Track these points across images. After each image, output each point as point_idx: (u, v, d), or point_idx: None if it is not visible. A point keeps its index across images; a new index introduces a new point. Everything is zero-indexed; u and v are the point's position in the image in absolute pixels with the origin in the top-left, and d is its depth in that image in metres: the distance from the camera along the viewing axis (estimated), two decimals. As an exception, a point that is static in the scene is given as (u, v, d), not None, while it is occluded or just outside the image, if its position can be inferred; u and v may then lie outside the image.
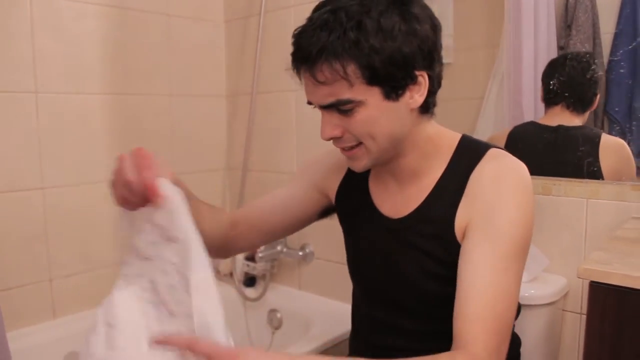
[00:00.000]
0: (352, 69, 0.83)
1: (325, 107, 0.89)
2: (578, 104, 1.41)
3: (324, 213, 1.18)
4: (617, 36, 1.36)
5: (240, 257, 2.05)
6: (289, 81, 1.92)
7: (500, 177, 0.90)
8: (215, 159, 2.18)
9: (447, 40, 1.64)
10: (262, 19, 1.87)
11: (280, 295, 1.97)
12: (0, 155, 1.57)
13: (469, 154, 0.96)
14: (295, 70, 0.89)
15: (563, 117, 1.43)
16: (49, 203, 1.69)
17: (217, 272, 2.12)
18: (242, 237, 1.16)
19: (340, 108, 0.87)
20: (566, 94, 1.42)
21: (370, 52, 0.82)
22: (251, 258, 2.03)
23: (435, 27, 0.90)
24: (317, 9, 0.88)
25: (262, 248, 1.99)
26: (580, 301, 1.38)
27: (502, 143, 1.50)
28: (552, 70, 1.45)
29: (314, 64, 0.84)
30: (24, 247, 1.64)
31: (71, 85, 1.73)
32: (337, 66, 0.83)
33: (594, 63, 1.39)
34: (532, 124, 1.49)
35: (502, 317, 0.85)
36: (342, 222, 1.13)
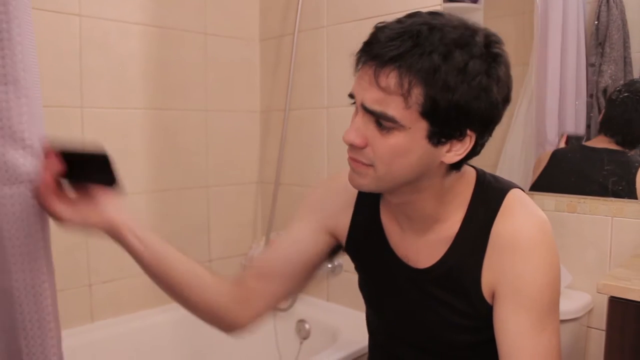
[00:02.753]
0: (417, 91, 0.76)
1: (366, 111, 0.81)
2: (619, 139, 1.39)
3: (332, 254, 1.09)
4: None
5: (270, 268, 2.09)
6: (320, 98, 1.97)
7: (523, 241, 0.86)
8: (248, 173, 2.23)
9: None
10: (295, 38, 1.92)
11: (309, 306, 2.01)
12: (47, 166, 1.65)
13: (486, 201, 0.91)
14: (358, 58, 0.81)
15: (609, 145, 1.42)
16: (90, 212, 1.76)
17: (248, 283, 2.16)
18: (257, 296, 1.05)
19: (381, 122, 0.80)
20: (610, 129, 1.41)
21: (443, 86, 0.76)
22: (281, 269, 2.07)
23: (506, 100, 0.84)
24: (411, 16, 0.81)
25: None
26: (605, 318, 1.38)
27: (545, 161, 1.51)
28: (607, 102, 1.43)
29: (384, 66, 0.77)
30: (66, 253, 1.71)
31: (114, 100, 1.81)
32: (406, 81, 0.76)
33: None
34: (580, 146, 1.48)
35: None
36: (355, 259, 1.08)
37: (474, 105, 0.78)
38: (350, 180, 0.89)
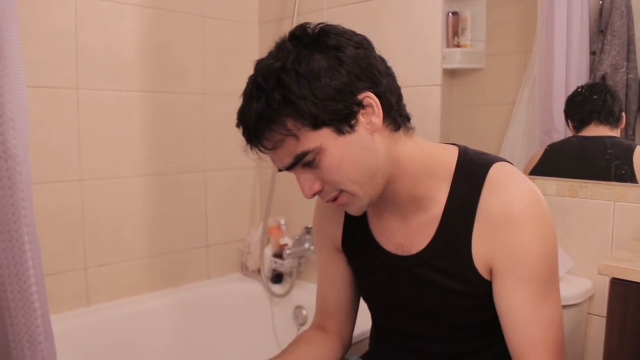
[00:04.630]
0: (291, 123, 0.82)
1: (290, 168, 0.87)
2: (610, 118, 1.40)
3: None
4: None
5: (268, 254, 2.09)
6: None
7: (514, 215, 0.87)
8: (246, 157, 2.19)
9: (480, 45, 1.65)
10: (295, 21, 1.91)
11: (307, 292, 1.99)
12: (42, 148, 1.64)
13: (470, 176, 0.92)
14: (250, 148, 0.88)
15: (600, 131, 1.42)
16: (86, 194, 1.75)
17: (246, 268, 2.16)
18: (342, 327, 1.15)
19: (303, 162, 0.85)
20: (595, 113, 1.42)
21: (299, 100, 0.80)
22: (279, 255, 2.07)
23: (359, 44, 0.87)
24: (248, 80, 0.89)
25: (289, 245, 2.02)
26: (606, 304, 1.37)
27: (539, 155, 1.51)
28: (574, 103, 1.45)
29: (258, 135, 0.84)
30: (61, 235, 1.71)
31: (110, 82, 1.79)
32: (277, 128, 0.82)
33: (610, 89, 1.39)
34: (572, 137, 1.48)
35: (556, 344, 0.88)
36: (350, 260, 1.11)
37: (337, 82, 0.82)
38: (349, 213, 0.95)
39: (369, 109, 0.85)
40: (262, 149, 0.87)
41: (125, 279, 1.87)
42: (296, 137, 0.83)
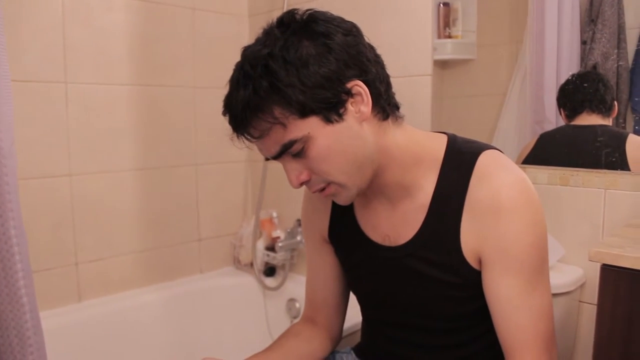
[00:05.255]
0: (278, 111, 0.80)
1: (277, 157, 0.86)
2: (601, 106, 1.40)
3: None
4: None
5: (260, 247, 2.09)
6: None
7: (503, 203, 0.86)
8: (237, 150, 2.18)
9: (471, 36, 1.65)
10: (285, 13, 1.90)
11: (299, 284, 1.97)
12: (30, 143, 1.63)
13: (458, 164, 0.91)
14: (237, 136, 0.87)
15: (592, 120, 1.42)
16: (75, 190, 1.74)
17: (238, 262, 2.16)
18: (333, 319, 1.15)
19: (291, 152, 0.84)
20: (587, 102, 1.42)
21: (287, 88, 0.79)
22: (271, 248, 2.07)
23: (348, 32, 0.85)
24: (234, 67, 0.87)
25: (282, 238, 2.02)
26: (597, 292, 1.37)
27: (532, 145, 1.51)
28: (565, 92, 1.45)
29: (244, 123, 0.83)
30: (51, 231, 1.70)
31: (99, 76, 1.77)
32: (264, 116, 0.81)
33: (602, 77, 1.39)
34: (564, 126, 1.48)
35: (546, 333, 0.88)
36: (337, 250, 1.10)
37: (325, 70, 0.80)
38: (337, 203, 0.93)
39: (357, 98, 0.84)
40: (248, 137, 0.85)
41: (116, 274, 1.86)
42: (283, 125, 0.81)
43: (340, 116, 0.83)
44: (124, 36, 1.83)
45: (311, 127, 0.82)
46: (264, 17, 2.11)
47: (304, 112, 0.81)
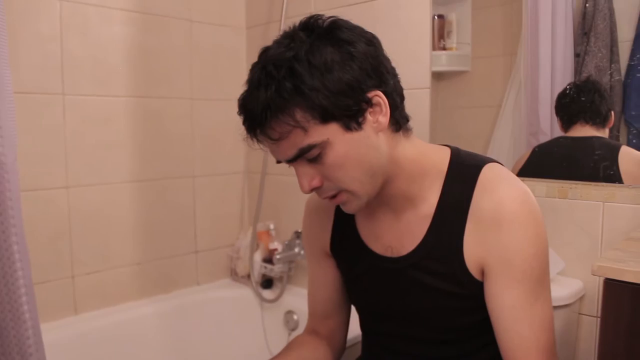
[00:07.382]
0: (300, 115, 0.80)
1: (292, 161, 0.85)
2: (596, 118, 1.41)
3: None
4: (635, 40, 1.36)
5: (258, 259, 2.08)
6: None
7: (506, 215, 0.86)
8: (235, 162, 2.20)
9: (465, 48, 1.66)
10: (282, 25, 1.90)
11: (297, 297, 1.98)
12: (27, 155, 1.61)
13: (462, 177, 0.92)
14: (250, 137, 0.86)
15: (586, 131, 1.43)
16: (73, 202, 1.73)
17: (235, 274, 2.15)
18: (335, 331, 1.15)
19: (307, 157, 0.83)
20: (582, 113, 1.43)
21: (311, 92, 0.79)
22: (269, 260, 2.06)
23: (370, 42, 0.86)
24: (252, 68, 0.86)
25: (279, 250, 2.01)
26: (596, 304, 1.38)
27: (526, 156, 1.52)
28: (562, 102, 1.46)
29: (263, 124, 0.82)
30: (48, 244, 1.68)
31: (97, 87, 1.77)
32: (285, 118, 0.80)
33: (598, 88, 1.40)
34: (559, 138, 1.48)
35: (547, 344, 0.88)
36: (339, 264, 1.10)
37: (348, 77, 0.81)
38: (345, 211, 0.92)
39: (377, 108, 0.85)
40: (264, 139, 0.84)
41: (113, 287, 1.84)
42: (304, 129, 0.81)
43: (359, 125, 0.84)
44: (122, 48, 1.82)
45: (330, 133, 0.82)
46: (261, 30, 2.11)
47: (325, 118, 0.81)
